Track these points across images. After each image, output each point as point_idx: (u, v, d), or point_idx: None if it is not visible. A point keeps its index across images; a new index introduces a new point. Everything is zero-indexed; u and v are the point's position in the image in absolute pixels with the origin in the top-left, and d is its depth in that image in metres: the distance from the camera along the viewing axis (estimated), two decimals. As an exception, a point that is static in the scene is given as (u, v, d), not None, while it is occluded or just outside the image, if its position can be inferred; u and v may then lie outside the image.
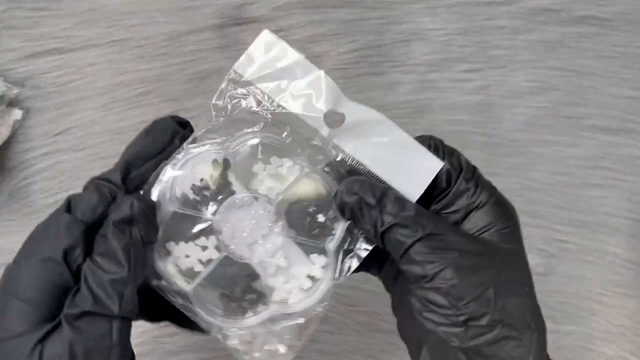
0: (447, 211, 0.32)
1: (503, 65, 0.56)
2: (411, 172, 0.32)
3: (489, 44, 0.56)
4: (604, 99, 0.56)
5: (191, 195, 0.33)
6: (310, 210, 0.33)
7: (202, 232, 0.33)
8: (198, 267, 0.33)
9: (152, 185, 0.33)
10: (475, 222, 0.32)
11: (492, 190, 0.33)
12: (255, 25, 0.55)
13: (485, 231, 0.32)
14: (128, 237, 0.30)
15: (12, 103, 0.52)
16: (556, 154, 0.56)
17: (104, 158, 0.53)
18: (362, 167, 0.33)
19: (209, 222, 0.33)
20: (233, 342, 0.34)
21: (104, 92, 0.53)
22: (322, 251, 0.33)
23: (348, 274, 0.33)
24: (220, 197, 0.33)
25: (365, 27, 0.56)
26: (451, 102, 0.56)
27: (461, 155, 0.33)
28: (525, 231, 0.33)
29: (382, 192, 0.31)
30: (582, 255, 0.55)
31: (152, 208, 0.32)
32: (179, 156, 0.33)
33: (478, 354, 0.30)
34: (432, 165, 0.32)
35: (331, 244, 0.33)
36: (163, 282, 0.33)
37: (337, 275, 0.33)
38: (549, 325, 0.32)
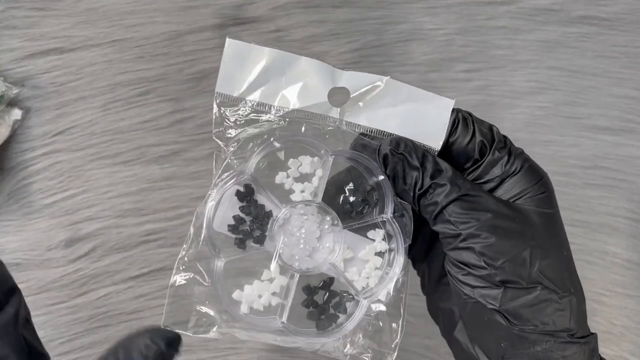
0: (481, 181, 0.32)
1: (503, 65, 0.56)
2: (429, 121, 0.32)
3: (489, 44, 0.56)
4: (604, 99, 0.56)
5: (232, 236, 0.32)
6: (347, 192, 0.33)
7: (261, 266, 0.32)
8: (275, 301, 0.32)
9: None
10: (510, 189, 0.32)
11: (525, 158, 0.33)
12: (255, 25, 0.55)
13: (521, 197, 0.32)
14: None
15: (12, 103, 0.52)
16: (556, 154, 0.56)
17: (104, 158, 0.53)
18: (383, 134, 0.33)
19: (263, 254, 0.32)
20: (343, 352, 0.33)
21: (103, 92, 0.53)
22: (376, 225, 0.33)
23: (411, 234, 0.33)
24: (260, 223, 0.32)
25: (365, 27, 0.56)
26: (451, 102, 0.56)
27: (493, 126, 0.33)
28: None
29: (423, 154, 0.31)
30: (582, 255, 0.55)
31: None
32: (207, 206, 0.32)
33: (517, 317, 0.30)
34: (445, 106, 0.32)
35: (385, 214, 0.33)
36: (250, 334, 0.32)
37: (402, 239, 0.33)
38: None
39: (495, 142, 0.32)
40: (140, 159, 0.53)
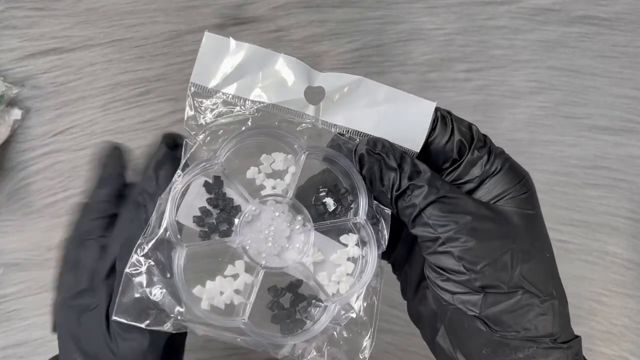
0: (460, 181, 0.31)
1: (503, 65, 0.56)
2: (409, 123, 0.31)
3: (489, 44, 0.56)
4: (604, 99, 0.56)
5: (197, 228, 0.31)
6: (322, 192, 0.32)
7: (225, 261, 0.31)
8: (237, 299, 0.31)
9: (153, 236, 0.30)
10: (490, 190, 0.31)
11: (505, 157, 0.31)
12: (255, 25, 0.55)
13: (502, 198, 0.30)
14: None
15: (12, 103, 0.52)
16: (556, 154, 0.56)
17: (104, 158, 0.53)
18: (360, 134, 0.32)
19: (228, 249, 0.31)
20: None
21: (103, 92, 0.53)
22: (349, 229, 0.32)
23: (386, 241, 0.32)
24: (227, 217, 0.31)
25: (365, 27, 0.56)
26: (451, 102, 0.56)
27: (472, 125, 0.32)
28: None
29: (401, 155, 0.30)
30: (582, 255, 0.55)
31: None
32: (172, 193, 0.30)
33: (498, 323, 0.29)
34: (426, 108, 0.31)
35: (359, 216, 0.31)
36: (210, 330, 0.30)
37: (377, 245, 0.32)
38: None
39: (474, 141, 0.31)
40: (140, 158, 0.53)
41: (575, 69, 0.56)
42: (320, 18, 0.55)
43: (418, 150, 0.31)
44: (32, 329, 0.51)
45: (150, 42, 0.54)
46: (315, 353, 0.31)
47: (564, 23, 0.56)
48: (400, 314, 0.52)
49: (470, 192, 0.31)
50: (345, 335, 0.32)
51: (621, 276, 0.55)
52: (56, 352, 0.33)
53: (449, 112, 0.32)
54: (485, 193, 0.31)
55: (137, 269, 0.30)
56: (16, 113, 0.52)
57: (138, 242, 0.30)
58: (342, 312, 0.31)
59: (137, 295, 0.30)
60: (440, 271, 0.30)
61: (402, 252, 0.34)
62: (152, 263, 0.30)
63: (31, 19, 0.53)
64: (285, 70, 0.32)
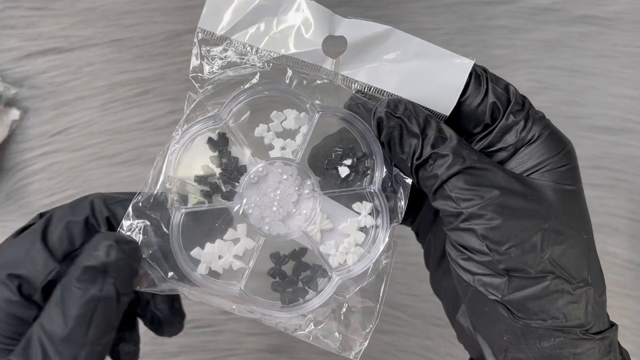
0: (492, 149, 0.28)
1: (503, 64, 0.56)
2: (440, 82, 0.28)
3: (489, 44, 0.56)
4: (604, 99, 0.56)
5: (198, 188, 0.29)
6: (335, 155, 0.29)
7: (226, 224, 0.29)
8: (237, 264, 0.29)
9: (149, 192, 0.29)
10: (525, 160, 0.27)
11: (545, 123, 0.28)
12: (253, 24, 0.54)
13: (537, 170, 0.27)
14: (96, 291, 0.26)
15: (10, 103, 0.52)
16: (556, 153, 0.56)
17: (102, 158, 0.53)
18: (382, 93, 0.28)
19: (230, 211, 0.29)
20: (304, 331, 0.29)
21: (101, 92, 0.53)
22: (363, 197, 0.29)
23: (402, 213, 0.29)
24: (230, 177, 0.29)
25: (364, 27, 0.56)
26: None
27: (510, 85, 0.28)
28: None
29: (425, 119, 0.27)
30: (582, 255, 0.55)
31: (134, 252, 0.28)
32: (170, 150, 0.28)
33: (522, 310, 0.26)
34: (461, 66, 0.27)
35: (373, 185, 0.29)
36: (203, 296, 0.29)
37: (389, 215, 0.29)
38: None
39: (510, 104, 0.27)
40: (139, 159, 0.53)
41: (575, 68, 0.56)
42: (319, 18, 0.55)
43: (447, 114, 0.28)
44: (30, 329, 0.51)
45: (148, 42, 0.53)
46: (313, 327, 0.30)
47: (564, 22, 0.56)
48: (400, 315, 0.52)
49: (502, 162, 0.28)
50: (349, 310, 0.30)
51: (621, 276, 0.55)
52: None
53: (484, 70, 0.28)
54: (519, 163, 0.28)
55: (131, 229, 0.28)
56: (14, 113, 0.51)
57: (133, 202, 0.28)
58: (347, 285, 0.29)
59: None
60: (462, 249, 0.27)
61: (426, 219, 0.32)
62: (148, 223, 0.28)
63: (29, 19, 0.53)
64: (303, 16, 0.28)
